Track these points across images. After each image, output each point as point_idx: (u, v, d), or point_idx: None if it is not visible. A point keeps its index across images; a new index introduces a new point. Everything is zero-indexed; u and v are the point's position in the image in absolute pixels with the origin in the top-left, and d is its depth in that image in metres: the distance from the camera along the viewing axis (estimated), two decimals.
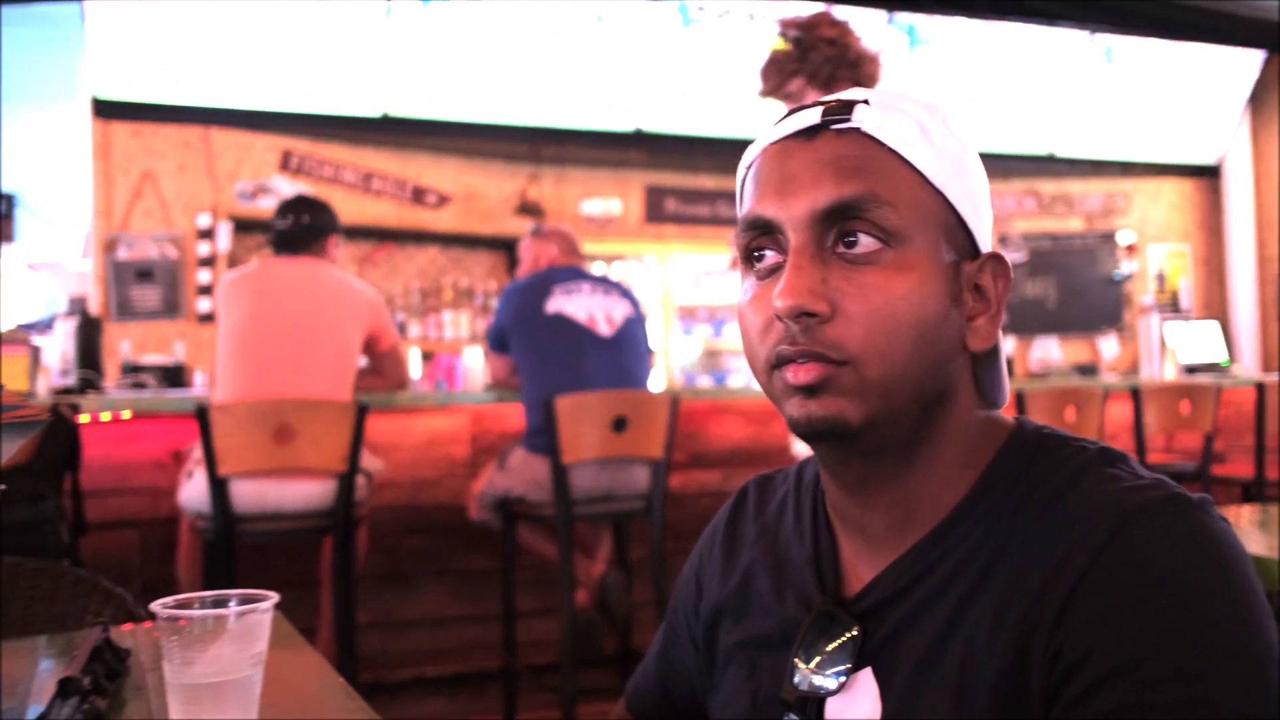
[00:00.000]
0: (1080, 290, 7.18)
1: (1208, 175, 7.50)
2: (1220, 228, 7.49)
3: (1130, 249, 7.32)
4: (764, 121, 0.84)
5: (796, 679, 0.74)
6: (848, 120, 0.71)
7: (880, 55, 2.46)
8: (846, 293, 0.68)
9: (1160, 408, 3.72)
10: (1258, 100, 7.18)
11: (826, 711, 0.72)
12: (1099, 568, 0.63)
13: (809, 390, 0.68)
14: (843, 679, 0.72)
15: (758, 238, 0.73)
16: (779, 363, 0.70)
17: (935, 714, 0.67)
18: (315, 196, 3.24)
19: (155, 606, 0.77)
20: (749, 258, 0.74)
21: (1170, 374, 5.67)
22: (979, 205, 0.74)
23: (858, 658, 0.72)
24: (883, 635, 0.72)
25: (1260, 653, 0.60)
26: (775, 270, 0.71)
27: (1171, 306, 7.28)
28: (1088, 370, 6.18)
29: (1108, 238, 7.28)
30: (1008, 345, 5.66)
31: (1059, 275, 7.16)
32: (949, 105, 0.75)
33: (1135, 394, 3.68)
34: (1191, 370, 5.69)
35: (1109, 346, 6.54)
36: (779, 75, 2.44)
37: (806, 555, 0.80)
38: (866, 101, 0.72)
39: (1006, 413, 0.78)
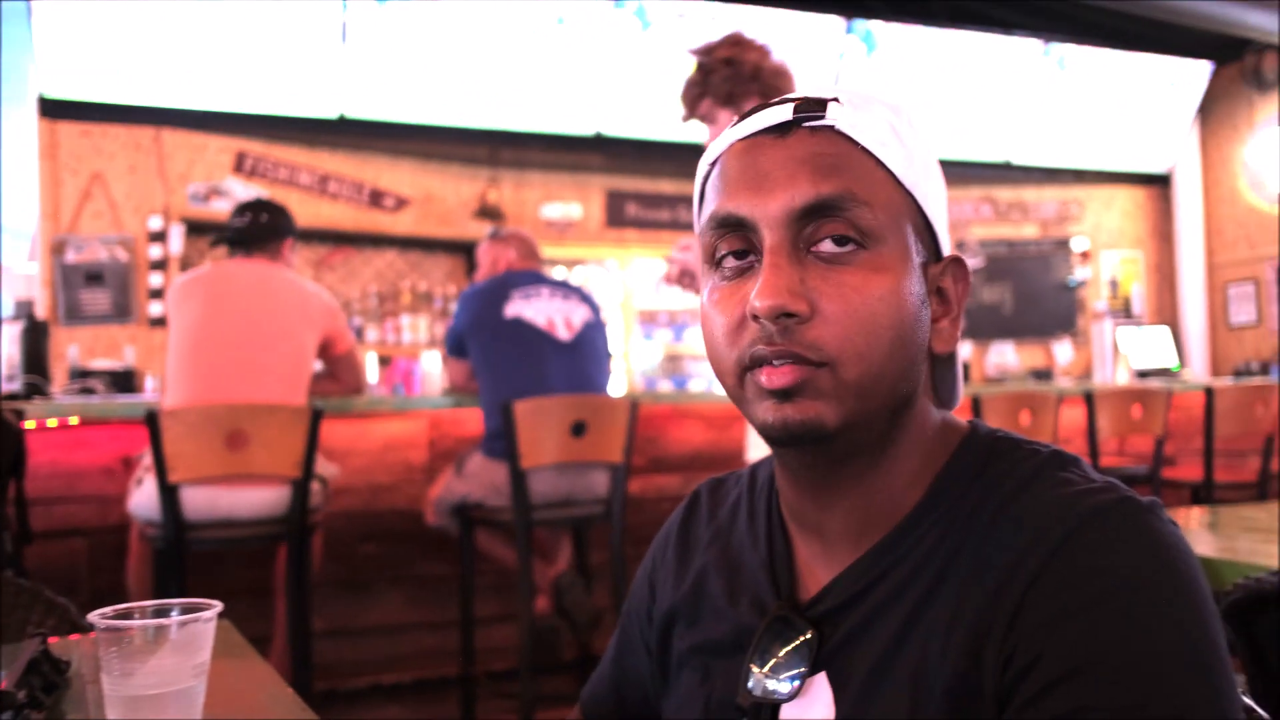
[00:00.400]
0: (1035, 296, 7.28)
1: (1159, 184, 7.65)
2: (1171, 235, 7.64)
3: (1084, 255, 7.44)
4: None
5: (751, 684, 0.73)
6: (821, 117, 0.70)
7: (787, 66, 2.48)
8: (824, 293, 0.67)
9: (1112, 412, 3.79)
10: (1206, 111, 7.34)
11: (781, 716, 0.72)
12: (1050, 571, 0.63)
13: (784, 394, 0.67)
14: (797, 684, 0.71)
15: (726, 235, 0.71)
16: (753, 364, 0.68)
17: (890, 718, 0.66)
18: (273, 200, 3.20)
19: (93, 617, 0.75)
20: (713, 256, 0.73)
21: (1123, 379, 5.78)
22: (940, 208, 0.74)
23: (813, 662, 0.71)
24: (838, 639, 0.71)
25: (1208, 655, 0.60)
26: (745, 270, 0.70)
27: (1124, 312, 7.41)
28: (1043, 375, 6.27)
29: (1062, 244, 7.40)
30: (965, 350, 5.72)
31: (1015, 281, 7.26)
32: (910, 106, 0.75)
33: (1089, 398, 3.74)
34: (1143, 375, 5.80)
35: (1063, 351, 6.64)
36: (689, 100, 2.51)
37: (761, 559, 0.79)
38: (837, 99, 0.71)
39: (962, 415, 0.78)
